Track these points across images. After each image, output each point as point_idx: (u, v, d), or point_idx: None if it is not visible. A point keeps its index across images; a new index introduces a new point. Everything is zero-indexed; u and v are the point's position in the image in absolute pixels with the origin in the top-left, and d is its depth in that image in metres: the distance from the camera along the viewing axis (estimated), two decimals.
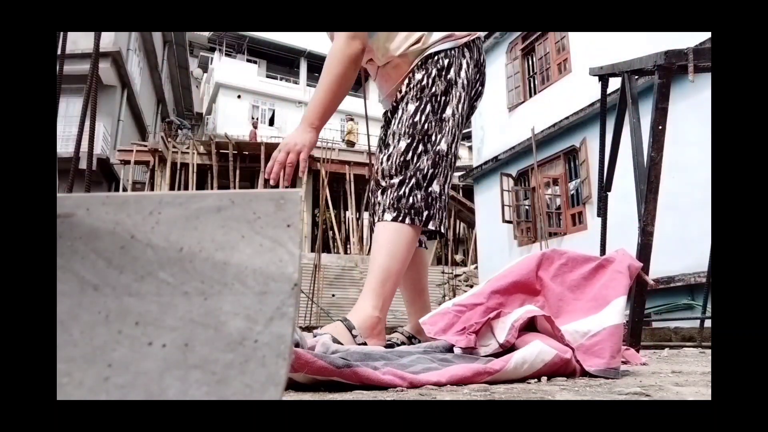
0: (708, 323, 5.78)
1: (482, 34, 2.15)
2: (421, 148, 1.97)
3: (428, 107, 1.97)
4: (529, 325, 1.89)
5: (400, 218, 2.01)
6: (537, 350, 1.72)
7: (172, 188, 14.91)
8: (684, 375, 1.93)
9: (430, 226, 2.07)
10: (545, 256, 2.15)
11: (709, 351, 3.84)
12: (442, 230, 2.14)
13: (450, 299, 2.54)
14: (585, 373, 1.79)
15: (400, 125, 2.00)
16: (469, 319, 2.00)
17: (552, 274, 2.10)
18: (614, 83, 4.72)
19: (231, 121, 25.68)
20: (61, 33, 2.64)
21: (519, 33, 12.53)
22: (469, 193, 15.69)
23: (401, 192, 2.00)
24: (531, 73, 12.72)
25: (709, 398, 1.24)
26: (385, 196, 2.01)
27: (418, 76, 1.98)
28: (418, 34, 1.96)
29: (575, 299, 2.00)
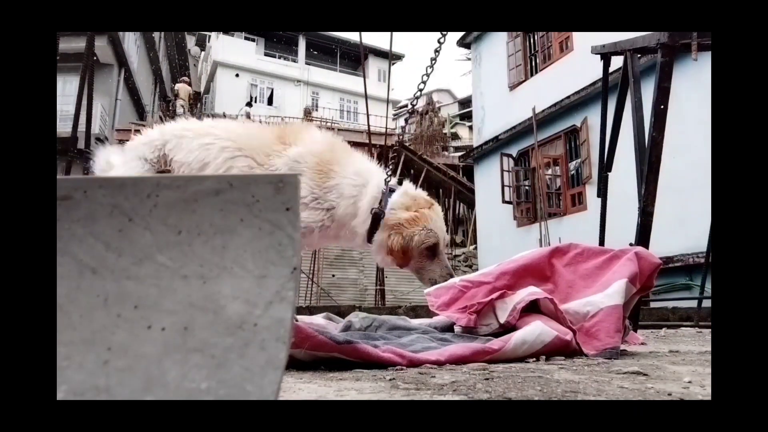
0: (705, 303, 5.82)
1: None
2: None
3: None
4: (533, 307, 1.91)
5: None
6: (538, 331, 1.73)
7: None
8: (681, 354, 1.94)
9: None
10: (559, 248, 2.18)
11: (705, 330, 3.87)
12: None
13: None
14: (585, 353, 1.81)
15: None
16: (474, 296, 2.01)
17: (565, 263, 2.13)
18: (616, 62, 4.67)
19: (229, 99, 25.46)
20: None
21: None
22: (469, 173, 15.63)
23: None
24: (532, 52, 12.58)
25: (706, 377, 1.25)
26: None
27: None
28: None
29: (586, 287, 2.02)
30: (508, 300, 1.93)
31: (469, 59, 15.40)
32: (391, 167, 2.20)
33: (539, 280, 2.09)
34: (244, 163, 2.19)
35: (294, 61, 29.92)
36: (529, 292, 1.91)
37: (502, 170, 12.24)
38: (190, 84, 19.86)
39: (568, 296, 2.01)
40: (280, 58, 29.73)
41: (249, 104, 20.24)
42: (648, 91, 3.48)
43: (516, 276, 2.07)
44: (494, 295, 1.96)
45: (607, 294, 1.89)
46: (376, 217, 2.06)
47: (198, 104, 26.27)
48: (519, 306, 1.86)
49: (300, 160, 2.20)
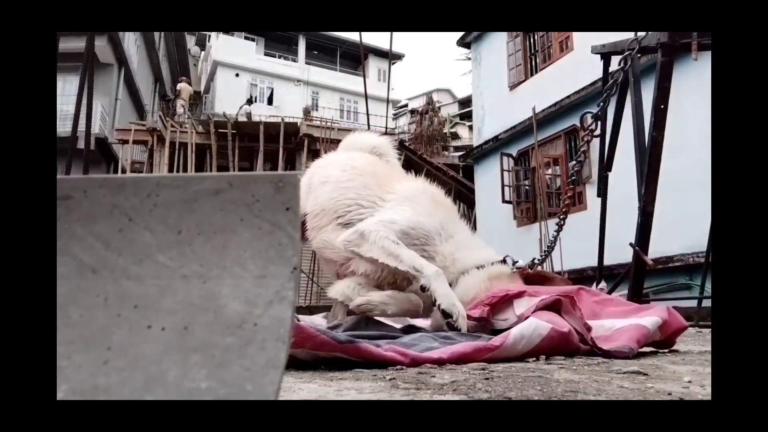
0: (705, 303, 5.82)
1: None
2: None
3: None
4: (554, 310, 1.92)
5: None
6: (533, 325, 1.73)
7: (171, 168, 14.85)
8: (681, 354, 1.94)
9: None
10: (589, 289, 2.28)
11: (705, 330, 3.87)
12: None
13: None
14: (588, 353, 1.80)
15: None
16: (495, 292, 2.05)
17: (594, 300, 2.19)
18: (616, 62, 4.67)
19: (229, 99, 25.45)
20: None
21: None
22: (469, 173, 15.64)
23: None
24: (532, 51, 12.58)
25: (706, 377, 1.25)
26: None
27: None
28: None
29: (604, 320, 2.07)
30: (527, 298, 1.95)
31: (469, 59, 15.40)
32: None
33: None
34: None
35: (294, 60, 29.92)
36: (552, 298, 1.93)
37: (502, 170, 12.24)
38: (190, 83, 19.87)
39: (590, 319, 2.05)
40: (280, 57, 29.73)
41: (249, 101, 20.19)
42: (648, 91, 3.48)
43: (543, 291, 2.11)
44: (513, 292, 1.98)
45: (638, 318, 1.94)
46: None
47: (198, 104, 26.28)
48: (540, 303, 1.88)
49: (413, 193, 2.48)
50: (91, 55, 2.79)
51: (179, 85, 18.96)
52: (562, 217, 3.59)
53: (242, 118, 17.38)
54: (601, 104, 3.37)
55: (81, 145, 4.39)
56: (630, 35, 3.88)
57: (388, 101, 7.48)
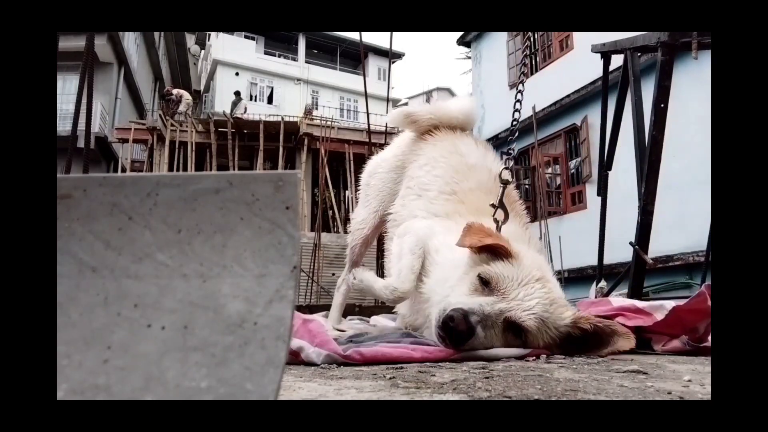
0: None
1: None
2: None
3: None
4: None
5: None
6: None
7: (171, 167, 14.84)
8: (681, 353, 1.94)
9: None
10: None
11: None
12: None
13: None
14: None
15: None
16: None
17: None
18: (616, 60, 4.66)
19: (229, 98, 25.45)
20: None
21: None
22: None
23: None
24: (533, 50, 12.57)
25: (705, 376, 1.25)
26: None
27: None
28: None
29: None
30: None
31: (469, 58, 15.40)
32: None
33: None
34: None
35: (294, 59, 29.90)
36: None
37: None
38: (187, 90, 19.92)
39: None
40: (280, 56, 29.72)
41: (237, 93, 19.91)
42: (648, 90, 3.47)
43: None
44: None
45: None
46: None
47: (198, 103, 26.26)
48: None
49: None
50: (90, 54, 2.79)
51: (177, 90, 18.77)
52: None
53: (239, 112, 17.33)
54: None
55: (81, 143, 4.39)
56: (630, 35, 3.87)
57: (388, 100, 7.48)
